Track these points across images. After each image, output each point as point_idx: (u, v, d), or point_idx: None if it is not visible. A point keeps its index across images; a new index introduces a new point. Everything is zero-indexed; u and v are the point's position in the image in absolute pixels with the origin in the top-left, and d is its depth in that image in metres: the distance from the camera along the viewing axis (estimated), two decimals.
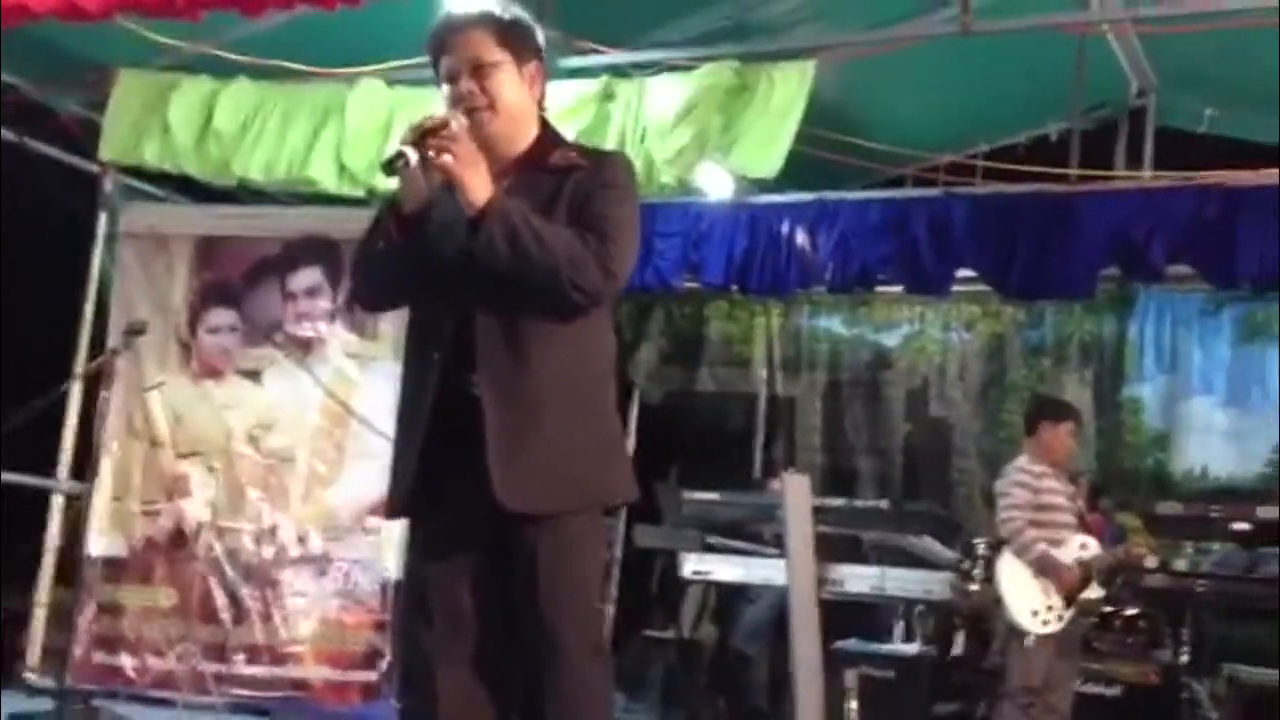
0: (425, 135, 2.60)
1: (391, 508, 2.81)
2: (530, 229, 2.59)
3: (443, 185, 2.67)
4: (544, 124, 2.84)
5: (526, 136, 2.79)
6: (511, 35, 2.76)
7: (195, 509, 6.14)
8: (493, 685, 2.70)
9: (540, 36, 2.84)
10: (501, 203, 2.60)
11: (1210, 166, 5.99)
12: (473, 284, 2.64)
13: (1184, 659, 5.67)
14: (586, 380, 2.73)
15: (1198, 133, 6.73)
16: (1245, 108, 6.51)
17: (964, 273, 6.32)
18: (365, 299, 2.99)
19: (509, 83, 2.74)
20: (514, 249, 2.59)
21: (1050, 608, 5.37)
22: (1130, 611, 5.91)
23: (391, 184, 2.72)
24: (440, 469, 2.67)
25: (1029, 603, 5.37)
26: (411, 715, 2.99)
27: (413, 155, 2.59)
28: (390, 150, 2.64)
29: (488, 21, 2.76)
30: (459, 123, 2.66)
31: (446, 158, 2.57)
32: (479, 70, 2.72)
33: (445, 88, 2.76)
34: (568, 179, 2.72)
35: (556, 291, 2.62)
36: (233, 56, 5.84)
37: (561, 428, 2.65)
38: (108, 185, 6.55)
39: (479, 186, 2.59)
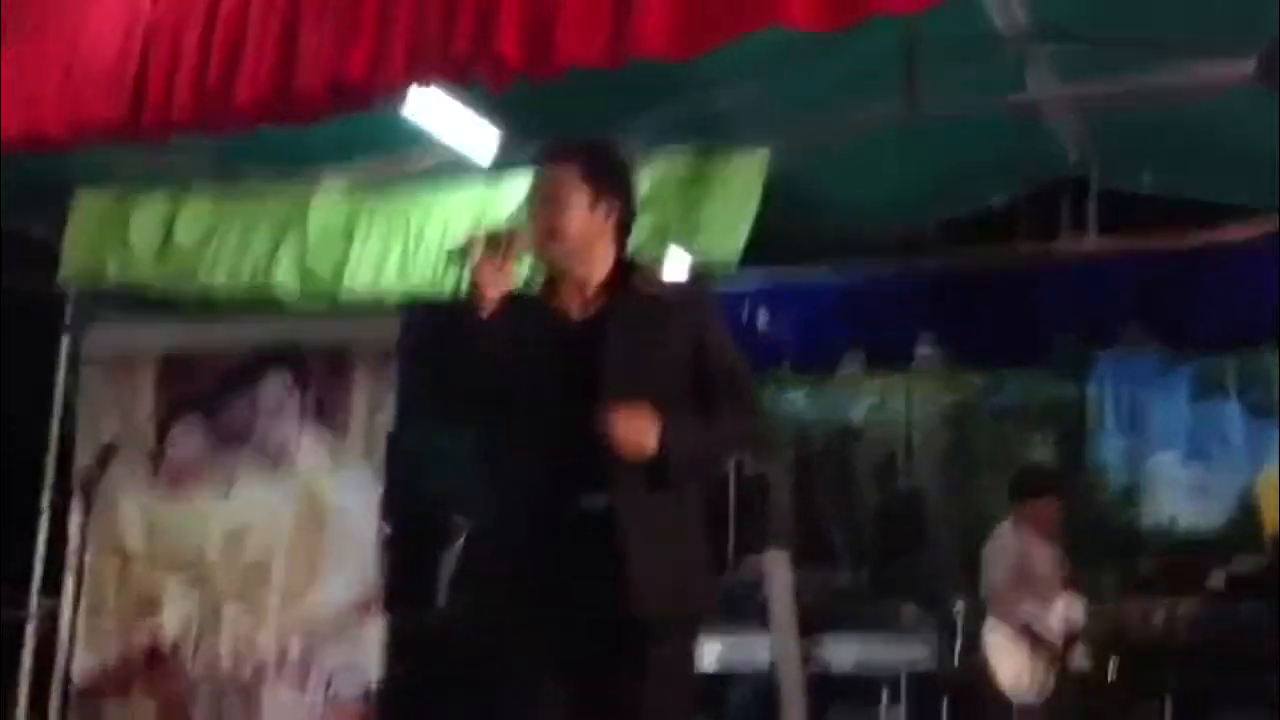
0: (495, 239, 2.91)
1: (478, 611, 2.97)
2: (700, 443, 2.89)
3: (516, 300, 2.93)
4: (621, 253, 3.04)
5: (599, 265, 2.99)
6: (593, 173, 2.97)
7: (171, 624, 6.09)
8: None
9: (629, 176, 3.13)
10: (668, 442, 2.80)
11: (1154, 226, 6.13)
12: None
13: (1168, 715, 5.70)
14: (696, 492, 2.95)
15: (1140, 195, 6.88)
16: (1186, 169, 6.68)
17: (924, 344, 6.42)
18: (446, 410, 3.11)
19: (578, 219, 2.94)
20: (699, 466, 2.93)
21: (1035, 674, 5.40)
22: (1113, 669, 5.96)
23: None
24: (543, 579, 2.81)
25: (1015, 669, 5.40)
26: None
27: (478, 252, 2.88)
28: (458, 242, 2.94)
29: (575, 156, 2.99)
30: (526, 235, 2.94)
31: (628, 447, 2.77)
32: (555, 202, 2.95)
33: (527, 204, 3.04)
34: (667, 313, 2.96)
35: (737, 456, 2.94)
36: (189, 175, 5.88)
37: (686, 542, 2.90)
38: (69, 309, 6.55)
39: (645, 444, 2.79)
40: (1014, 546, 5.54)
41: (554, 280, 3.02)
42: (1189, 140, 6.19)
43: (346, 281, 5.80)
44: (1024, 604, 5.44)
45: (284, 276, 5.88)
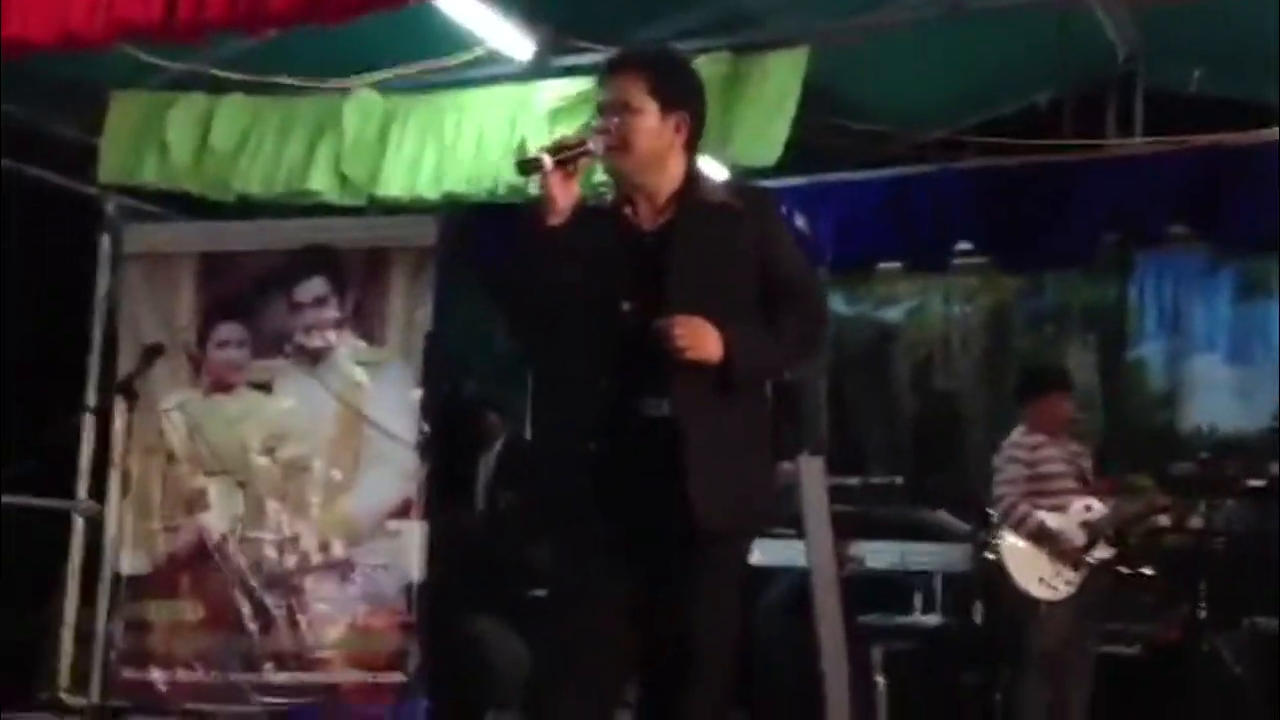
0: (563, 149, 2.90)
1: (543, 515, 3.03)
2: (766, 348, 2.91)
3: (586, 210, 2.93)
4: (690, 164, 3.01)
5: (669, 176, 2.97)
6: (663, 85, 2.94)
7: (215, 523, 6.18)
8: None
9: (699, 88, 3.06)
10: (733, 347, 2.81)
11: (1200, 127, 6.03)
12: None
13: (1203, 614, 5.70)
14: (760, 402, 2.99)
15: (1187, 94, 6.76)
16: (1232, 67, 6.55)
17: (963, 245, 6.37)
18: (519, 326, 3.12)
19: (646, 130, 2.92)
20: (765, 371, 3.01)
21: (1057, 574, 5.40)
22: (1147, 571, 5.96)
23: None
24: (607, 487, 2.84)
25: (1035, 571, 5.38)
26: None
27: (548, 161, 2.87)
28: (528, 153, 2.98)
29: (644, 68, 2.96)
30: (596, 146, 2.90)
31: (687, 352, 2.78)
32: (622, 112, 2.92)
33: (596, 114, 3.02)
34: (736, 222, 2.93)
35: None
36: (226, 74, 5.87)
37: (748, 452, 2.91)
38: (109, 208, 6.58)
39: (711, 351, 2.80)
40: (1024, 452, 5.48)
41: (625, 191, 3.01)
42: (1238, 38, 6.07)
43: (382, 185, 5.79)
44: (1038, 507, 5.40)
45: (319, 181, 5.88)
